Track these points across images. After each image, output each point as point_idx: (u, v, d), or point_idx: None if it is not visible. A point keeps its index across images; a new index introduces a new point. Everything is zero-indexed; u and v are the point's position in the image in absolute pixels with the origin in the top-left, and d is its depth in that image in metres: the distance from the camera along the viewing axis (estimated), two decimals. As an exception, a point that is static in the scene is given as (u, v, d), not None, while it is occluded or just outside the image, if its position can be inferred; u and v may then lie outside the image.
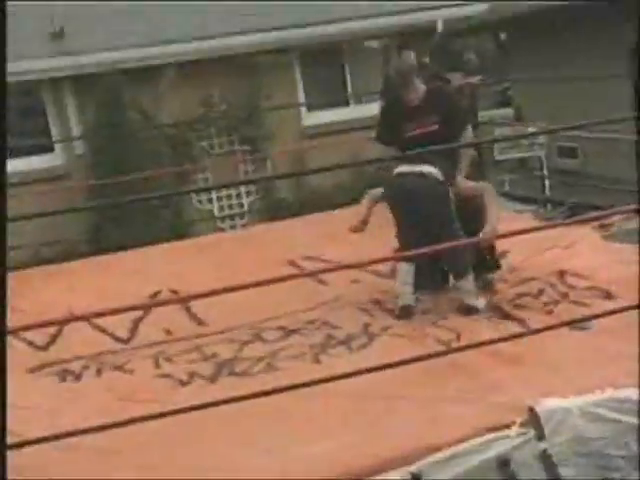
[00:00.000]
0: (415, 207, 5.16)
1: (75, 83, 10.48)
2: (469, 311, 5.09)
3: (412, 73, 5.51)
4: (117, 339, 5.47)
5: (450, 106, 5.55)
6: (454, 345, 4.50)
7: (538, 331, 4.03)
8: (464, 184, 5.36)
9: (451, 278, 5.46)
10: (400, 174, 5.27)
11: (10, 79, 9.03)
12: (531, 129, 9.21)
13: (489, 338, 4.10)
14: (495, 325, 4.81)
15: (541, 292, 5.24)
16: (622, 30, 13.51)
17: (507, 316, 4.93)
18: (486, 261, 5.52)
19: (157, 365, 4.93)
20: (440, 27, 11.48)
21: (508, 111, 15.03)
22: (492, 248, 5.54)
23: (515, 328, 4.65)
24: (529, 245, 5.81)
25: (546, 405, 3.45)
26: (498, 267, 5.62)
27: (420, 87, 5.48)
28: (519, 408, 3.49)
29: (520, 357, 4.11)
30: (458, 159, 5.39)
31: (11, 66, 8.73)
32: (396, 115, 5.51)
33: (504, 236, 5.51)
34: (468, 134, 5.55)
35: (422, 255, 4.88)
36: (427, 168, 5.14)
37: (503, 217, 5.80)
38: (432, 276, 5.53)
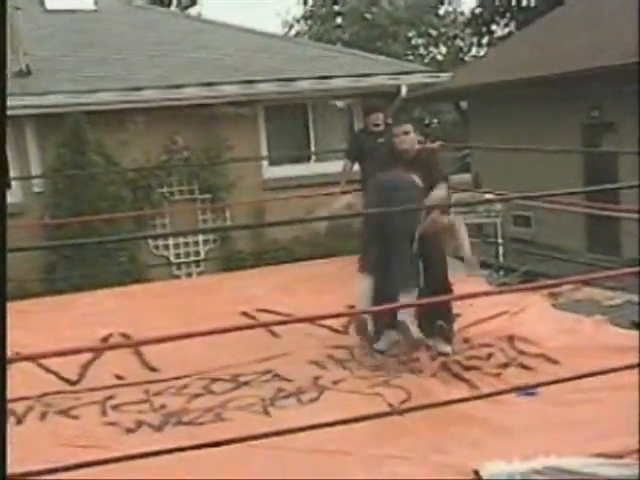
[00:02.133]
0: (389, 198, 5.31)
1: (38, 122, 10.44)
2: (415, 346, 5.29)
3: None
4: (65, 380, 5.37)
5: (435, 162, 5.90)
6: (405, 404, 4.53)
7: (488, 395, 4.08)
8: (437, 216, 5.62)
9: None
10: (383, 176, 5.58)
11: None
12: (488, 196, 9.39)
13: (439, 400, 4.14)
14: (446, 386, 4.84)
15: (490, 356, 5.30)
16: (575, 107, 14.06)
17: (457, 377, 4.98)
18: (445, 311, 5.62)
19: (104, 412, 4.85)
20: (404, 92, 11.70)
21: (466, 177, 15.35)
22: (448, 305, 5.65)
23: (464, 389, 4.70)
24: (479, 309, 5.91)
25: (491, 469, 3.48)
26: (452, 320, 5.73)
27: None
28: (464, 471, 3.52)
29: (468, 419, 4.14)
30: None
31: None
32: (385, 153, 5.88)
33: (458, 297, 5.62)
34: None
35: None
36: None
37: (456, 279, 5.92)
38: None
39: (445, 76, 13.05)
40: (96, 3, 13.41)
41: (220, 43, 12.69)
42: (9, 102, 8.46)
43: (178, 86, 10.75)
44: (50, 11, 12.85)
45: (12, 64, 10.61)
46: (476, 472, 3.48)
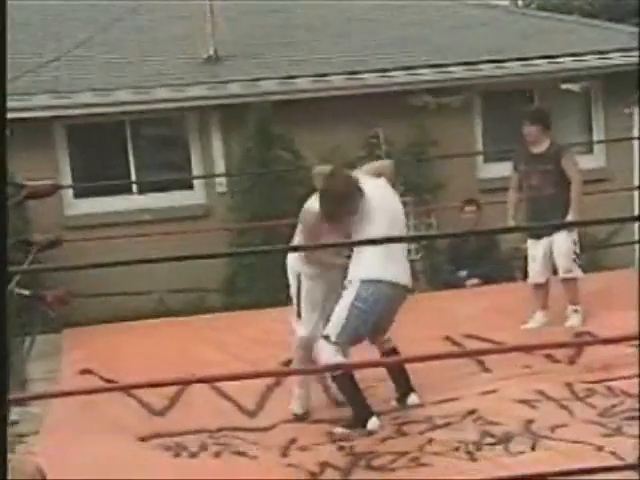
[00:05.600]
0: None
1: (223, 114, 10.86)
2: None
3: None
4: (243, 411, 5.51)
5: None
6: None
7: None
8: None
9: None
10: None
11: (152, 107, 9.49)
12: None
13: None
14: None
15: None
16: None
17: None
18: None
19: (284, 453, 4.91)
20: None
21: None
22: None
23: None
24: None
25: None
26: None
27: None
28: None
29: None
30: None
31: (155, 91, 9.17)
32: None
33: None
34: None
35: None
36: None
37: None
38: None
39: None
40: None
41: (428, 18, 12.66)
42: (194, 92, 8.89)
43: (376, 71, 10.82)
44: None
45: (202, 50, 11.14)
46: None
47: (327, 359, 5.25)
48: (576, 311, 6.83)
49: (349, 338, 5.32)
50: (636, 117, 11.33)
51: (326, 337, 5.31)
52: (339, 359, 5.23)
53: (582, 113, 11.93)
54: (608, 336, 5.50)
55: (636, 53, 11.19)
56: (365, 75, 10.79)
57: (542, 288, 7.02)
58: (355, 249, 5.40)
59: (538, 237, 6.97)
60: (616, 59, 11.34)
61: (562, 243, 6.89)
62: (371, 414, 5.25)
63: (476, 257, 8.74)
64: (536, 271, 7.03)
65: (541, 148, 6.93)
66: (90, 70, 11.05)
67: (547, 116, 7.25)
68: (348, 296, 5.29)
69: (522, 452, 4.58)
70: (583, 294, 6.99)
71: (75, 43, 11.62)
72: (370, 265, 5.29)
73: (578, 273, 6.96)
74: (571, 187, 6.82)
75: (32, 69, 10.90)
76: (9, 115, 7.75)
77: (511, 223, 7.10)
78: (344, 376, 5.22)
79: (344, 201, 5.32)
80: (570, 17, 17.62)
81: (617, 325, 6.00)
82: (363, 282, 5.29)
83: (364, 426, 5.19)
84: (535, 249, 7.05)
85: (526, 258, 8.85)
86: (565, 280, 6.93)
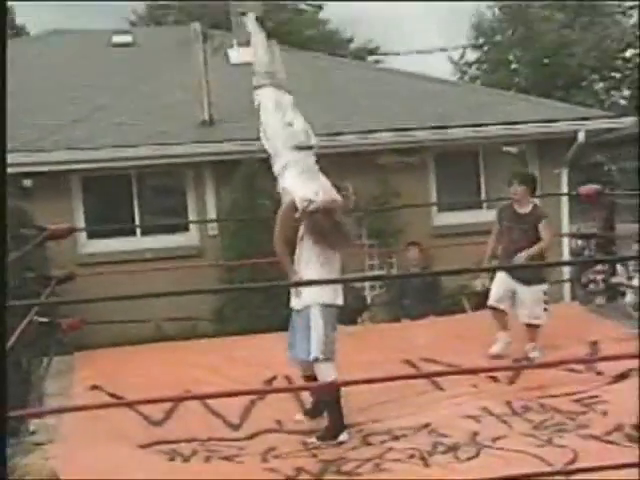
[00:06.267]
0: None
1: (215, 169, 10.94)
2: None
3: None
4: (228, 424, 5.48)
5: None
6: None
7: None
8: None
9: None
10: None
11: (155, 162, 9.50)
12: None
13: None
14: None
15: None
16: None
17: None
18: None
19: (264, 459, 4.88)
20: (582, 138, 11.32)
21: (641, 226, 14.49)
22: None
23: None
24: None
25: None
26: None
27: None
28: None
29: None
30: None
31: (159, 148, 9.21)
32: None
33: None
34: None
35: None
36: None
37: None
38: None
39: (628, 121, 12.49)
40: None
41: (391, 90, 12.82)
42: (192, 149, 8.93)
43: (342, 133, 10.93)
44: (234, 65, 13.48)
45: (198, 114, 11.23)
46: None
47: (326, 376, 5.18)
48: (534, 347, 6.53)
49: (331, 354, 5.26)
50: (564, 177, 11.54)
51: (316, 360, 5.23)
52: (335, 375, 5.17)
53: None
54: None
55: (561, 123, 11.44)
56: (339, 137, 10.90)
57: (500, 312, 6.74)
58: (303, 272, 5.27)
59: (508, 275, 6.70)
60: (545, 127, 11.54)
61: (532, 294, 6.62)
62: (344, 428, 5.21)
63: (430, 292, 8.81)
64: (498, 297, 6.72)
65: (525, 209, 6.76)
66: (103, 130, 11.09)
67: (534, 180, 7.11)
68: (317, 320, 5.20)
69: (468, 459, 4.57)
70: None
71: (91, 108, 11.68)
72: (326, 291, 5.25)
73: (543, 321, 6.63)
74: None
75: (54, 130, 10.94)
76: (32, 169, 7.80)
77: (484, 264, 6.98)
78: (334, 394, 5.16)
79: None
80: (508, 92, 17.96)
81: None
82: (323, 306, 5.23)
83: (336, 438, 5.14)
84: (502, 282, 6.74)
85: (472, 294, 8.97)
86: (528, 325, 6.64)
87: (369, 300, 10.84)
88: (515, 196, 6.80)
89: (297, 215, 5.27)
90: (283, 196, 5.49)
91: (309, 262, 5.26)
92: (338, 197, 5.50)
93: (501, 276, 6.78)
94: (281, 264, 5.43)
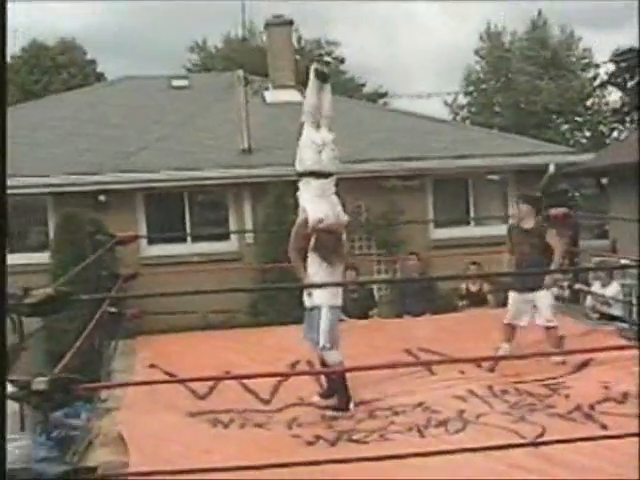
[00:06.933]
0: None
1: (253, 190, 10.97)
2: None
3: None
4: (260, 400, 5.47)
5: None
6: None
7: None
8: None
9: None
10: None
11: (204, 182, 9.54)
12: (624, 261, 8.73)
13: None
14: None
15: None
16: None
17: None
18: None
19: (289, 427, 4.88)
20: (552, 169, 11.27)
21: (604, 243, 14.41)
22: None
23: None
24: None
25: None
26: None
27: None
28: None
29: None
30: None
31: (207, 172, 9.24)
32: None
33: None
34: None
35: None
36: None
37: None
38: None
39: (588, 157, 12.50)
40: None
41: (398, 126, 12.80)
42: (234, 173, 8.97)
43: (361, 161, 10.93)
44: (269, 104, 13.53)
45: (239, 144, 11.28)
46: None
47: (335, 359, 5.27)
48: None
49: (335, 343, 5.33)
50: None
51: (323, 348, 5.28)
52: (340, 358, 5.26)
53: (500, 195, 12.03)
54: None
55: (535, 157, 11.41)
56: (355, 165, 10.90)
57: (511, 327, 6.27)
58: (312, 277, 5.32)
59: (520, 291, 6.27)
60: (522, 160, 11.49)
61: (544, 298, 6.21)
62: (350, 400, 5.23)
63: (427, 293, 8.77)
64: (516, 314, 6.27)
65: (529, 225, 6.37)
66: (163, 157, 11.16)
67: (537, 200, 6.77)
68: (325, 317, 5.26)
69: (457, 432, 4.53)
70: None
71: (154, 138, 11.76)
72: (331, 294, 5.31)
73: (556, 323, 6.21)
74: (554, 254, 6.27)
75: (124, 156, 11.03)
76: (107, 187, 7.81)
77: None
78: (340, 374, 5.26)
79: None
80: (492, 130, 17.91)
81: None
82: (329, 306, 5.30)
83: (347, 409, 5.16)
84: (517, 300, 6.30)
85: (462, 295, 8.90)
86: (547, 328, 6.16)
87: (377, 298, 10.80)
88: (520, 214, 6.47)
89: (309, 231, 5.34)
90: (300, 213, 5.52)
91: (318, 270, 5.32)
92: (344, 218, 5.55)
93: (514, 296, 6.34)
94: (294, 269, 5.49)
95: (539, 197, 7.30)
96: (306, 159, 5.47)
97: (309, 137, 5.51)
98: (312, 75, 5.57)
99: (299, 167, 5.54)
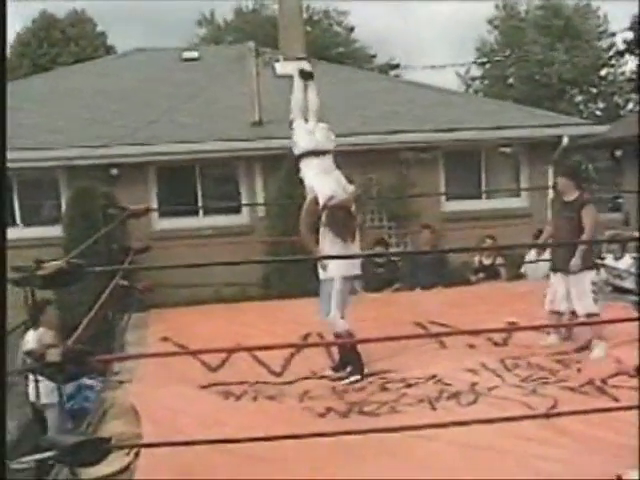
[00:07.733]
0: None
1: (264, 162, 10.91)
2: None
3: None
4: (272, 372, 5.50)
5: None
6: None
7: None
8: None
9: None
10: None
11: (215, 155, 9.52)
12: (637, 234, 8.65)
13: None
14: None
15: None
16: None
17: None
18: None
19: (301, 399, 4.90)
20: (565, 141, 11.13)
21: (617, 216, 14.29)
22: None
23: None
24: None
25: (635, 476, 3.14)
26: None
27: None
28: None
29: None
30: None
31: (218, 144, 9.21)
32: None
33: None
34: None
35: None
36: None
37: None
38: None
39: (602, 128, 12.33)
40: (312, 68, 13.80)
41: (409, 98, 12.66)
42: (245, 145, 8.99)
43: (369, 133, 10.82)
44: (278, 76, 13.40)
45: (250, 116, 11.21)
46: (619, 477, 3.16)
47: (342, 327, 5.41)
48: (599, 344, 5.59)
49: (342, 313, 5.48)
50: (550, 173, 11.36)
51: (332, 316, 5.48)
52: (347, 327, 5.40)
53: (513, 168, 11.91)
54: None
55: (548, 129, 11.26)
56: (367, 136, 10.81)
57: (556, 314, 5.96)
58: (327, 251, 5.47)
59: (554, 271, 6.01)
60: (535, 132, 11.35)
61: (580, 284, 5.75)
62: (363, 366, 5.41)
63: (439, 267, 8.71)
64: (550, 300, 6.02)
65: (570, 197, 5.94)
66: (174, 129, 11.11)
67: (576, 171, 6.49)
68: (337, 288, 5.46)
69: (468, 404, 4.54)
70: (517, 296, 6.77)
71: (164, 110, 11.70)
72: (344, 266, 5.48)
73: (596, 309, 5.70)
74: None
75: (135, 129, 10.98)
76: (118, 160, 7.84)
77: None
78: (353, 346, 5.44)
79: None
80: (505, 102, 17.67)
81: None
82: (343, 278, 5.49)
83: (362, 373, 5.32)
84: (556, 282, 5.98)
85: (475, 269, 8.86)
86: (588, 316, 5.70)
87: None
88: (560, 188, 6.09)
89: (319, 207, 5.52)
90: (308, 192, 5.71)
91: (332, 246, 5.45)
92: (352, 190, 5.72)
93: (555, 278, 6.01)
94: (304, 244, 5.67)
95: (576, 167, 7.11)
96: (301, 141, 5.75)
97: (300, 126, 5.85)
98: (297, 75, 5.99)
99: (297, 150, 5.81)
